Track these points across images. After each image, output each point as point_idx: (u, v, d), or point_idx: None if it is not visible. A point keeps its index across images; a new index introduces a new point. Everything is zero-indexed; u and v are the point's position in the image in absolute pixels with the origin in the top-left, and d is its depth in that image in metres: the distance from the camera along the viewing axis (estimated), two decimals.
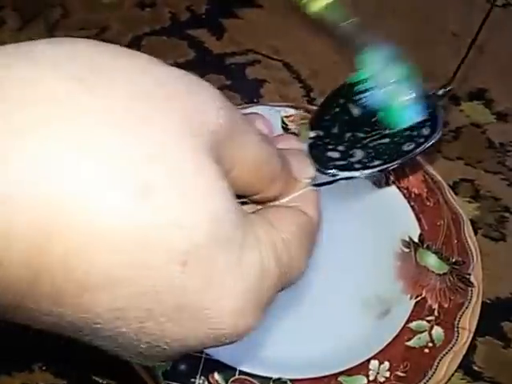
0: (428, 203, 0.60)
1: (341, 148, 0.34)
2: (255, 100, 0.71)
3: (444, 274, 0.55)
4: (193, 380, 0.50)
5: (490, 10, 0.35)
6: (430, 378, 0.48)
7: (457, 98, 0.73)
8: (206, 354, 0.51)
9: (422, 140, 0.33)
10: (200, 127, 0.23)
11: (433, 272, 0.56)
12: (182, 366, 0.50)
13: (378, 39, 0.34)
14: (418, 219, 0.59)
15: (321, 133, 0.35)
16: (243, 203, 0.29)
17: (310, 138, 0.35)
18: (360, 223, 0.61)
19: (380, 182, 0.62)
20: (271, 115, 0.62)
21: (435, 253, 0.57)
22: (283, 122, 0.64)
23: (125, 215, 0.20)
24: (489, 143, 0.68)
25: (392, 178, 0.62)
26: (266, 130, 0.31)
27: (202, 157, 0.22)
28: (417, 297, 0.55)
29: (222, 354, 0.51)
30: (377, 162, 0.33)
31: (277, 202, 0.30)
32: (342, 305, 0.55)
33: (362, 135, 0.35)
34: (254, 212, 0.29)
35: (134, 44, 0.77)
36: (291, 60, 0.75)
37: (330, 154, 0.34)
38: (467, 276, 0.55)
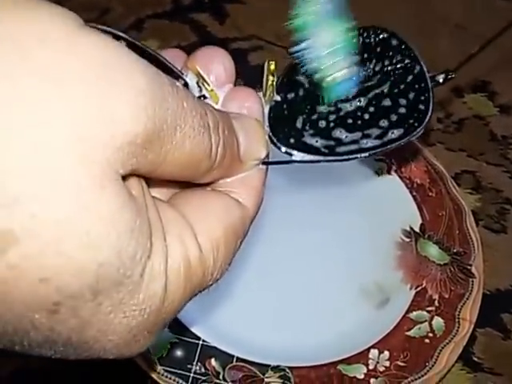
0: (430, 193, 0.59)
1: (308, 120, 0.28)
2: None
3: (445, 264, 0.55)
4: (189, 366, 0.49)
5: None
6: (430, 368, 0.48)
7: (460, 90, 0.72)
8: (203, 341, 0.50)
9: (404, 128, 0.28)
10: (105, 146, 0.17)
11: (434, 262, 0.55)
12: (179, 353, 0.49)
13: None
14: (420, 209, 0.59)
15: (289, 96, 0.29)
16: None
17: (275, 102, 0.29)
18: (361, 212, 0.60)
19: (382, 170, 0.62)
20: None
21: (436, 243, 0.56)
22: None
23: None
24: (491, 136, 0.68)
25: (394, 167, 0.62)
26: (223, 77, 0.27)
27: (96, 193, 0.17)
28: (417, 287, 0.54)
29: (219, 341, 0.51)
30: (343, 149, 0.27)
31: (209, 186, 0.26)
32: (342, 293, 0.55)
33: (334, 108, 0.28)
34: (177, 193, 0.25)
35: (136, 26, 0.76)
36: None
37: (294, 124, 0.28)
38: (468, 267, 0.54)
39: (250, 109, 0.27)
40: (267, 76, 0.29)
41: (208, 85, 0.27)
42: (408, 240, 0.58)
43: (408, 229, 0.58)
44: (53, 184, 0.17)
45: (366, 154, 0.27)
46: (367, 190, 0.61)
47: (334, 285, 0.55)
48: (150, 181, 0.23)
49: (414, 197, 0.60)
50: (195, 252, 0.22)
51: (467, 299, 0.52)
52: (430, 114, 0.28)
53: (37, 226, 0.17)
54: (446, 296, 0.53)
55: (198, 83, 0.27)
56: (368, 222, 0.59)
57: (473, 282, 0.53)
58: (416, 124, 0.28)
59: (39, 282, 0.17)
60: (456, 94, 0.72)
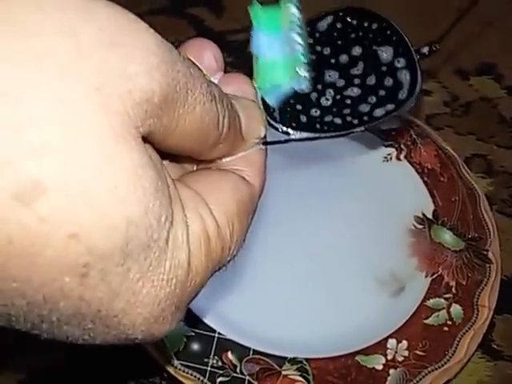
0: (442, 178, 0.58)
1: (302, 98, 0.29)
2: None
3: (460, 250, 0.54)
4: (206, 360, 0.48)
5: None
6: (450, 357, 0.47)
7: (465, 73, 0.71)
8: (219, 333, 0.49)
9: (392, 106, 0.28)
10: (123, 99, 0.18)
11: (449, 249, 0.55)
12: (195, 346, 0.49)
13: None
14: (432, 195, 0.58)
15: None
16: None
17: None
18: (371, 200, 0.59)
19: (391, 156, 0.61)
20: None
21: (450, 229, 0.56)
22: None
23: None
24: (500, 118, 0.67)
25: (404, 152, 0.61)
26: (214, 66, 0.27)
27: (119, 145, 0.18)
28: (433, 274, 0.53)
29: (235, 333, 0.50)
30: (339, 121, 0.28)
31: (214, 164, 0.26)
32: (356, 283, 0.54)
33: (329, 82, 0.29)
34: (184, 175, 0.26)
35: None
36: None
37: (288, 104, 0.29)
38: (484, 252, 0.53)
39: (246, 92, 0.28)
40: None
41: (201, 71, 0.27)
42: (421, 227, 0.57)
43: (420, 215, 0.57)
44: (76, 132, 0.17)
45: (362, 128, 0.28)
46: (377, 177, 0.60)
47: (347, 275, 0.54)
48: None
49: (425, 182, 0.59)
50: (213, 227, 0.22)
51: (485, 285, 0.51)
52: (419, 85, 0.29)
53: (63, 175, 0.17)
54: (463, 283, 0.52)
55: None
56: (379, 209, 0.58)
57: (490, 267, 0.52)
58: (406, 97, 0.29)
59: (69, 238, 0.17)
60: (461, 77, 0.71)
